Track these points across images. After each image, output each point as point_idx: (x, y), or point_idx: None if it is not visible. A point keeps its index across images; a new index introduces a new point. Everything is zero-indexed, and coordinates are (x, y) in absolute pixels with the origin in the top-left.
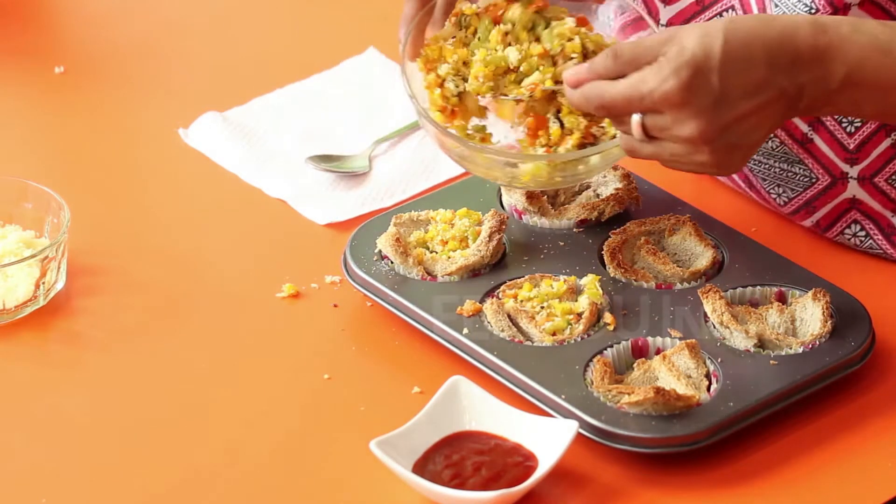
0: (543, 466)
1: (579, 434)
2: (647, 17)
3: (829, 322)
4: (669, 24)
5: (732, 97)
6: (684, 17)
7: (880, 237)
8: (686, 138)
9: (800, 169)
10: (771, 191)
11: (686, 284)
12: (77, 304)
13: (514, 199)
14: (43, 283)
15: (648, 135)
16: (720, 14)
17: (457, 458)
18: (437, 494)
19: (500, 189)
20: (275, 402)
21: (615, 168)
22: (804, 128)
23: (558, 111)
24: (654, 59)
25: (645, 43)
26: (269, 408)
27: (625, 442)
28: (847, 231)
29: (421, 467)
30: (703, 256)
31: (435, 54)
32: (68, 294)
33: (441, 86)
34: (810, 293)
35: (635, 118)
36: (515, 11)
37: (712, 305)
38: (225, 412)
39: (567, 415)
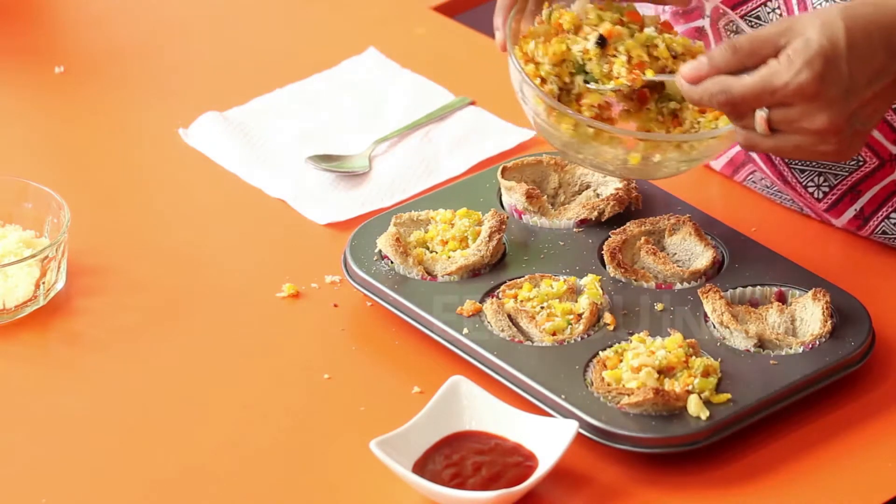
0: (543, 466)
1: (579, 434)
2: None
3: (829, 322)
4: (716, 9)
5: (859, 85)
6: (733, 2)
7: None
8: (816, 130)
9: None
10: (809, 183)
11: (686, 284)
12: (77, 304)
13: (514, 199)
14: (43, 283)
15: (772, 129)
16: (764, 4)
17: (457, 457)
18: (437, 494)
19: (499, 189)
20: (275, 402)
21: None
22: None
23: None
24: (774, 52)
25: (762, 35)
26: (269, 407)
27: (625, 442)
28: (893, 216)
29: (421, 467)
30: (703, 256)
31: (525, 48)
32: (68, 294)
33: (540, 77)
34: (810, 293)
35: (760, 113)
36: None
37: (712, 305)
38: (225, 412)
39: (567, 415)
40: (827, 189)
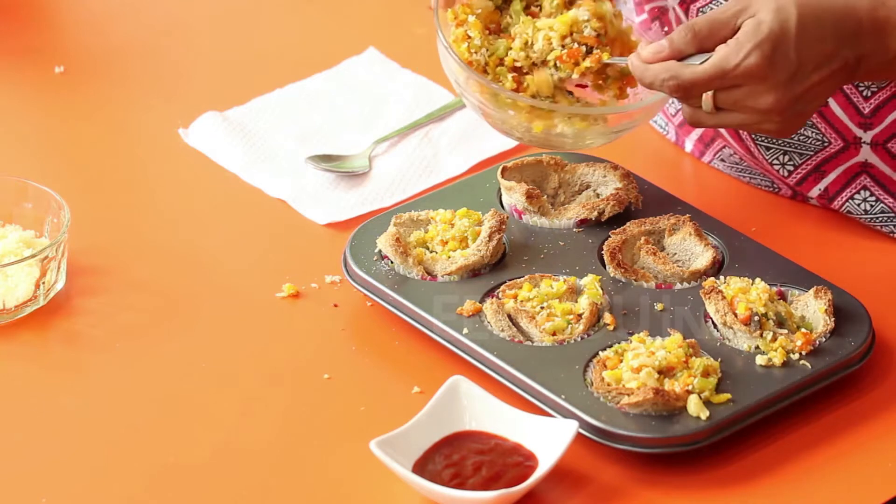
0: (543, 466)
1: (579, 434)
2: None
3: (831, 319)
4: None
5: (806, 70)
6: None
7: (891, 201)
8: (761, 109)
9: (812, 132)
10: (774, 161)
11: (686, 284)
12: (77, 304)
13: (514, 199)
14: (43, 283)
15: (718, 107)
16: None
17: (457, 457)
18: (437, 494)
19: (499, 189)
20: (275, 402)
21: (615, 168)
22: None
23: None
24: (731, 33)
25: (720, 17)
26: (269, 407)
27: (625, 442)
28: (856, 196)
29: (421, 467)
30: (703, 256)
31: (464, 15)
32: (68, 294)
33: (468, 40)
34: (811, 291)
35: (707, 93)
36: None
37: (715, 306)
38: (224, 412)
39: (567, 415)
40: (792, 168)
